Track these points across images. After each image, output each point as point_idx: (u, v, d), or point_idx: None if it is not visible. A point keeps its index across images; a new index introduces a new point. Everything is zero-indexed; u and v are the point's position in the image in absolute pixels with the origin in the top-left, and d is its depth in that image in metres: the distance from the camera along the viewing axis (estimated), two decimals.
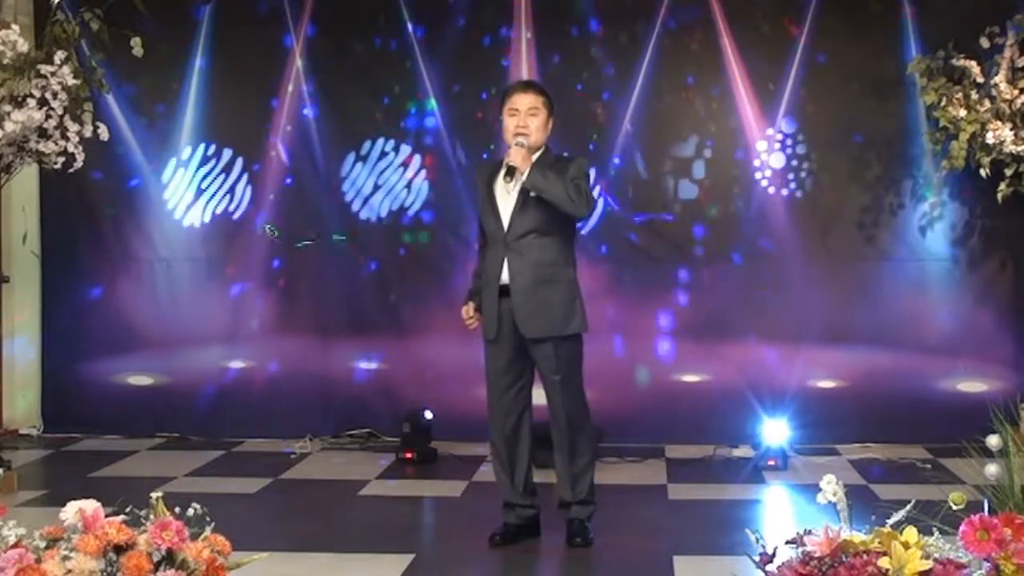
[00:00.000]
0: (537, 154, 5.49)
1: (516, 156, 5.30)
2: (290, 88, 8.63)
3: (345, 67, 8.65)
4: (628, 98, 8.39)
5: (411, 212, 8.65)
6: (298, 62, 8.62)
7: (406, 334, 8.65)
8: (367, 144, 8.66)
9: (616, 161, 8.45)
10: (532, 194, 5.35)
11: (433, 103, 8.56)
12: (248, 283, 8.83)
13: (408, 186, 8.63)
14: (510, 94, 5.58)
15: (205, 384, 8.74)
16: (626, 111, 8.40)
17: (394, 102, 8.65)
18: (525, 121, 5.42)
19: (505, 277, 5.46)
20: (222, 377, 8.78)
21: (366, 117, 8.68)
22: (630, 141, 8.44)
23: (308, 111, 8.67)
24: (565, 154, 5.75)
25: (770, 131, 8.35)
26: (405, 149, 8.65)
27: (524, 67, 8.40)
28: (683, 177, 8.44)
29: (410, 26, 8.50)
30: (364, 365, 8.73)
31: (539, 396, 5.80)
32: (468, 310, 5.69)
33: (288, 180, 8.73)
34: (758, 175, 8.37)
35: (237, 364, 8.83)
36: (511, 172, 5.31)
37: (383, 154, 8.66)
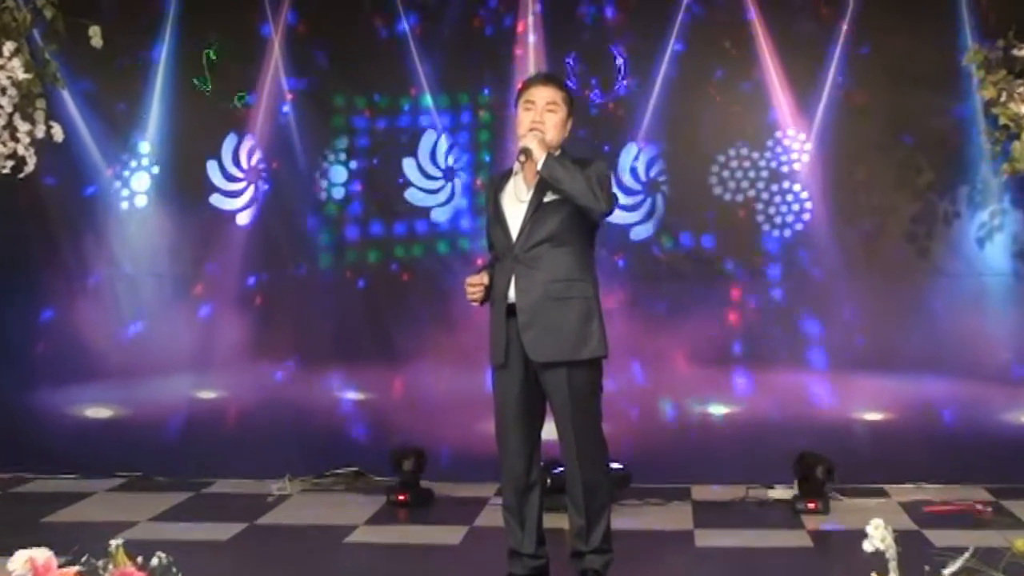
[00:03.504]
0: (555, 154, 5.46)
1: (532, 139, 5.28)
2: (268, 83, 8.60)
3: (330, 60, 8.65)
4: (648, 94, 8.39)
5: (404, 222, 8.64)
6: (277, 54, 8.61)
7: (399, 360, 8.62)
8: (354, 146, 8.66)
9: (635, 165, 8.44)
10: (546, 199, 5.32)
11: (428, 100, 8.55)
12: (220, 303, 8.80)
13: (401, 193, 8.63)
14: (527, 86, 5.58)
15: (172, 417, 8.70)
16: (646, 109, 8.39)
17: (385, 99, 8.66)
18: (542, 116, 5.41)
19: (512, 294, 5.40)
20: (191, 409, 8.74)
21: (353, 116, 8.67)
22: (652, 146, 8.46)
23: (288, 109, 8.67)
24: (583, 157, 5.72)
25: (805, 137, 8.35)
26: (397, 152, 8.65)
27: (532, 59, 8.38)
28: (711, 183, 8.43)
29: (403, 13, 8.49)
30: (351, 395, 8.70)
31: (549, 430, 5.72)
32: (474, 276, 5.58)
33: (265, 186, 8.73)
34: (796, 182, 8.37)
35: (208, 394, 8.79)
36: (525, 154, 5.29)
37: (371, 157, 8.68)
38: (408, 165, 8.64)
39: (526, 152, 5.30)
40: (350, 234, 8.70)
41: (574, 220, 5.34)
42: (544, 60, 8.36)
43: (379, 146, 8.71)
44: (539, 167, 5.25)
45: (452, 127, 8.61)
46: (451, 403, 8.32)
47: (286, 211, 8.72)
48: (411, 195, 8.66)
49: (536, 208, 5.35)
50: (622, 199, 8.14)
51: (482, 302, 5.51)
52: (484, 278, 5.48)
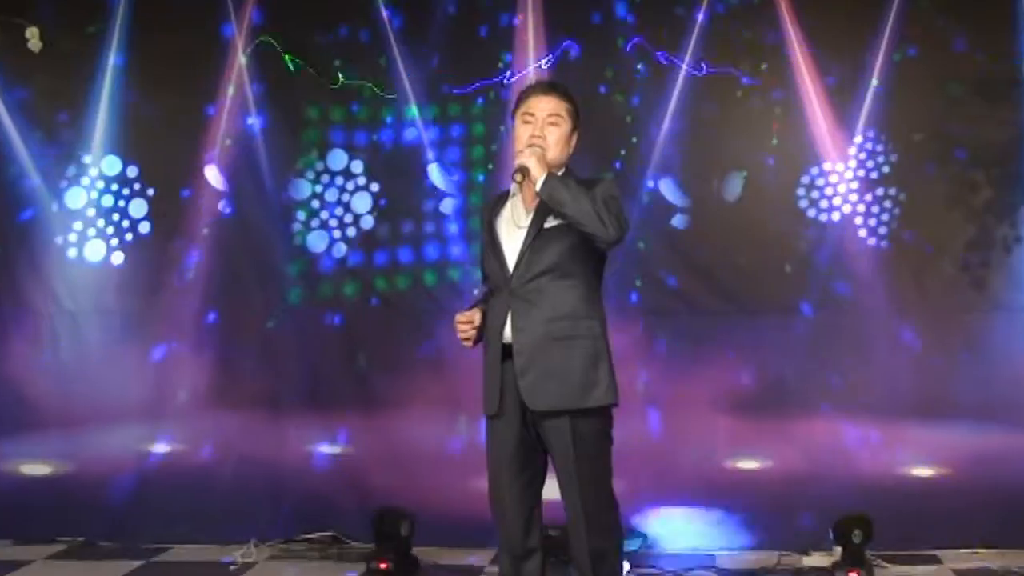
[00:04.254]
0: (557, 174, 5.40)
1: (529, 155, 5.22)
2: (230, 91, 8.59)
3: (301, 64, 8.57)
4: (665, 103, 8.37)
5: (386, 251, 8.63)
6: (241, 58, 8.59)
7: (380, 409, 8.56)
8: (329, 163, 8.63)
9: (650, 184, 8.42)
10: (547, 225, 5.26)
11: (414, 111, 8.55)
12: (176, 343, 8.76)
13: (382, 217, 8.62)
14: (527, 96, 5.51)
15: (120, 474, 8.63)
16: (663, 119, 8.37)
17: (364, 110, 8.64)
18: (542, 130, 5.35)
19: (508, 333, 5.34)
20: (142, 464, 8.68)
21: (328, 128, 8.66)
22: (668, 158, 8.42)
23: (253, 121, 8.65)
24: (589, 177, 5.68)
25: (841, 151, 8.31)
26: (378, 170, 8.65)
27: (532, 64, 8.37)
28: (736, 204, 8.40)
29: (385, 12, 8.48)
30: (326, 449, 8.66)
31: (551, 488, 5.65)
32: (465, 313, 5.52)
33: (227, 209, 8.70)
34: (832, 201, 8.32)
35: (161, 448, 8.74)
36: (522, 173, 5.23)
37: (350, 176, 8.65)
38: (391, 185, 8.64)
39: (523, 171, 5.23)
40: (324, 264, 8.67)
41: (579, 249, 5.27)
42: (547, 67, 8.36)
43: (357, 163, 8.67)
44: (537, 188, 5.19)
45: (441, 141, 8.59)
46: (440, 458, 8.28)
47: (251, 238, 8.69)
48: (394, 219, 8.64)
49: (536, 235, 5.28)
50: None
51: (475, 343, 5.46)
52: (476, 315, 5.42)
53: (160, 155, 8.72)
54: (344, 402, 8.61)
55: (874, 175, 8.28)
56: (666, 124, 8.38)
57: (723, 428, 8.36)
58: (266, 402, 8.66)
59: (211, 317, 8.73)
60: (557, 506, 5.53)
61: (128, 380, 8.75)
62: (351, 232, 8.65)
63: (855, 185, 8.28)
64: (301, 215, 8.65)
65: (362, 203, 8.63)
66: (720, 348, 8.38)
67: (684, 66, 8.31)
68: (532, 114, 5.40)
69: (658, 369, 8.35)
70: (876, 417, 8.23)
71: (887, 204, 8.29)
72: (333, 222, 8.65)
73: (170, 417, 8.76)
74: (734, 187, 8.36)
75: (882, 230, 8.28)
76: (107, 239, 8.76)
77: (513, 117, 5.51)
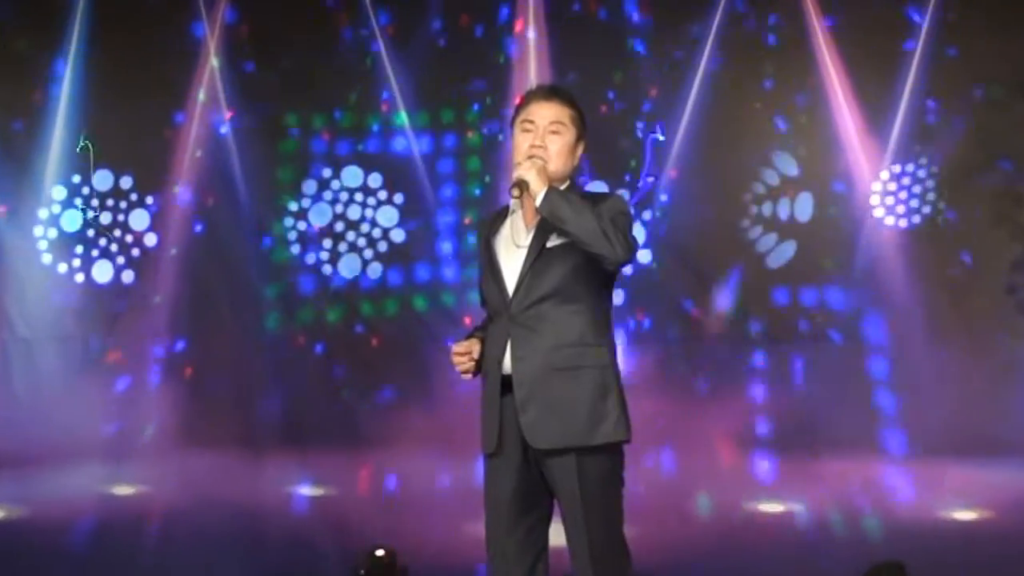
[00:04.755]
0: (560, 188, 5.31)
1: (529, 168, 5.16)
2: (201, 97, 8.64)
3: (279, 67, 8.65)
4: (680, 110, 8.40)
5: (372, 271, 8.66)
6: (213, 61, 8.62)
7: (366, 446, 8.57)
8: (311, 175, 8.70)
9: (663, 199, 8.41)
10: (549, 244, 5.18)
11: (403, 118, 8.60)
12: (141, 373, 8.77)
13: (368, 234, 8.63)
14: (526, 103, 5.35)
15: (79, 517, 8.42)
16: (677, 129, 8.39)
17: (349, 116, 8.71)
18: (543, 140, 5.28)
19: (508, 363, 5.24)
20: (103, 508, 8.56)
21: (309, 137, 8.71)
22: (683, 171, 8.44)
23: (226, 129, 8.67)
24: (594, 190, 5.63)
25: (889, 170, 8.31)
26: (364, 182, 8.68)
27: (532, 67, 8.40)
28: (757, 222, 8.40)
29: (371, 10, 8.53)
30: (306, 490, 8.65)
31: (556, 534, 5.53)
32: (463, 343, 5.44)
33: (197, 226, 8.71)
34: (862, 219, 8.33)
35: (125, 490, 8.71)
36: (520, 187, 5.17)
37: (333, 189, 8.67)
38: (378, 200, 8.65)
39: (521, 185, 5.16)
40: (304, 287, 8.70)
41: (585, 270, 5.14)
42: (549, 66, 8.37)
43: (341, 176, 8.69)
44: (537, 203, 5.13)
45: (433, 152, 8.62)
46: (432, 500, 8.22)
47: (223, 258, 8.69)
48: (381, 237, 8.65)
49: (537, 255, 5.15)
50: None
51: (474, 374, 5.40)
52: (475, 346, 5.31)
53: (123, 168, 8.75)
54: (326, 439, 8.59)
55: (910, 187, 8.31)
56: (679, 134, 8.43)
57: (744, 467, 8.38)
58: (240, 439, 8.63)
59: (179, 345, 8.75)
60: (563, 553, 5.42)
61: (88, 414, 8.73)
62: (334, 252, 8.71)
63: (889, 199, 8.30)
64: (279, 231, 8.70)
65: (347, 220, 8.72)
66: (741, 380, 8.43)
67: (700, 69, 8.38)
68: (532, 122, 5.28)
69: (671, 403, 8.25)
70: (915, 454, 8.26)
71: (926, 221, 8.30)
72: (314, 241, 8.73)
73: (134, 455, 8.72)
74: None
75: (920, 250, 8.29)
76: (66, 260, 8.76)
77: (512, 125, 5.44)
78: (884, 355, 8.31)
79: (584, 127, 5.31)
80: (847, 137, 8.31)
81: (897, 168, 8.30)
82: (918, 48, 8.19)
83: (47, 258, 8.76)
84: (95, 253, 8.75)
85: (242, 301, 8.71)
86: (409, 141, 8.58)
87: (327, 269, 8.66)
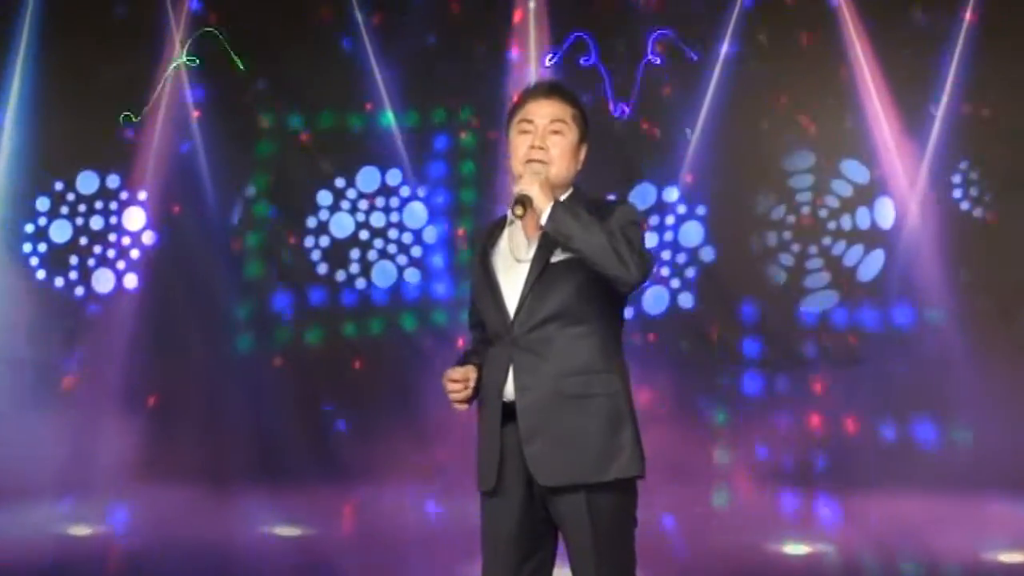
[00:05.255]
0: (563, 196, 5.19)
1: (531, 182, 5.08)
2: (165, 96, 8.57)
3: (253, 62, 8.54)
4: (695, 112, 8.36)
5: (356, 286, 8.62)
6: (178, 55, 8.53)
7: (349, 482, 8.50)
8: (287, 182, 8.68)
9: (681, 210, 8.37)
10: (554, 259, 5.07)
11: (389, 118, 8.57)
12: (99, 400, 8.66)
13: (350, 246, 8.60)
14: (523, 102, 5.25)
15: (34, 559, 8.24)
16: (692, 132, 8.36)
17: (331, 117, 8.65)
18: (544, 140, 5.18)
19: (510, 391, 5.11)
20: (58, 549, 8.43)
21: (286, 140, 8.66)
22: (700, 180, 8.41)
23: (194, 130, 8.61)
24: (599, 195, 5.53)
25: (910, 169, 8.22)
26: (346, 188, 8.62)
27: (532, 65, 8.38)
28: (783, 234, 8.37)
29: (356, 3, 8.49)
30: (282, 530, 8.55)
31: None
32: (452, 372, 5.32)
33: (160, 238, 8.68)
34: (895, 233, 8.30)
35: (83, 530, 8.60)
36: (522, 204, 5.09)
37: (311, 198, 8.65)
38: (362, 208, 8.61)
39: (524, 202, 5.08)
40: (279, 304, 8.63)
41: (593, 287, 4.99)
42: (552, 67, 8.32)
43: (321, 182, 8.64)
44: (543, 221, 5.05)
45: (423, 155, 8.59)
46: (422, 541, 8.11)
47: (190, 273, 8.63)
48: (366, 249, 8.62)
49: (541, 272, 5.03)
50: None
51: (470, 402, 5.33)
52: (472, 372, 5.22)
53: (78, 176, 8.76)
54: (304, 473, 8.54)
55: (947, 197, 8.29)
56: (694, 137, 8.42)
57: (769, 505, 8.34)
58: (209, 473, 8.55)
59: (143, 370, 8.67)
60: None
61: (41, 445, 8.62)
62: (313, 265, 8.68)
63: (923, 208, 8.29)
64: (252, 241, 8.66)
65: (328, 230, 8.69)
66: (763, 406, 8.41)
67: (718, 67, 8.38)
68: (531, 121, 5.15)
69: (691, 433, 8.23)
70: (957, 488, 8.11)
71: (972, 230, 8.26)
72: (292, 253, 8.72)
73: (92, 491, 8.64)
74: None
75: (964, 262, 8.27)
76: (14, 276, 8.72)
77: (507, 128, 5.34)
78: (923, 379, 8.26)
79: (587, 126, 5.23)
80: (882, 144, 8.31)
81: (936, 170, 8.31)
82: (959, 41, 8.17)
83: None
84: (35, 267, 8.77)
85: (210, 320, 8.66)
86: (396, 143, 8.58)
87: (305, 282, 8.65)
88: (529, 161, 5.05)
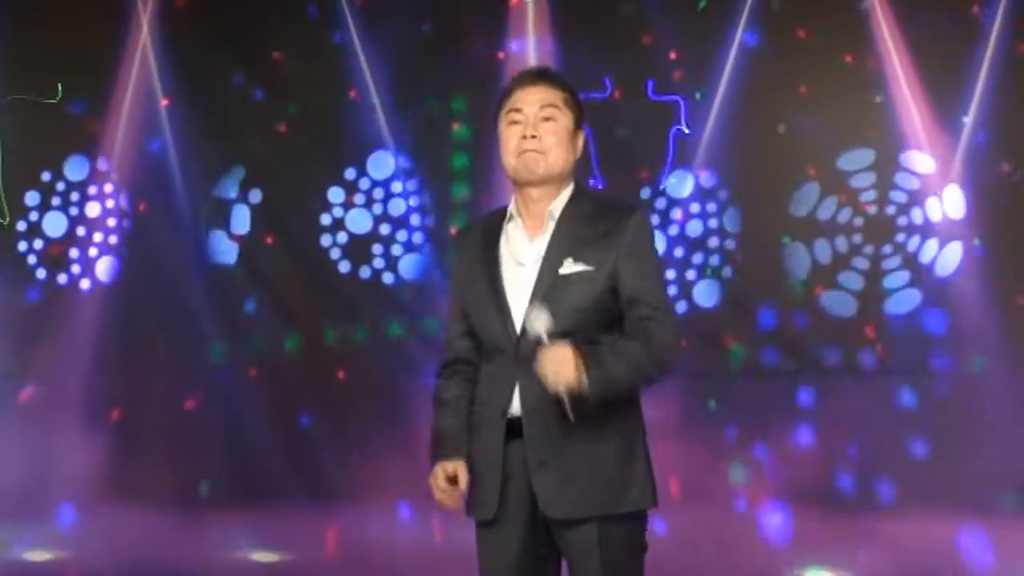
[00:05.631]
0: (561, 197, 5.01)
1: (554, 363, 4.91)
2: (131, 83, 8.46)
3: (225, 47, 8.51)
4: (709, 101, 8.28)
5: (337, 291, 8.54)
6: (145, 38, 8.45)
7: (332, 503, 8.40)
8: (262, 176, 8.59)
9: (695, 209, 8.28)
10: (564, 270, 4.89)
11: (376, 107, 8.46)
12: (57, 414, 8.55)
13: (332, 247, 8.50)
14: (510, 91, 5.12)
15: None
16: (705, 123, 8.27)
17: (310, 107, 8.57)
18: (536, 129, 5.03)
19: (516, 408, 4.92)
20: None
21: (262, 131, 8.57)
22: (717, 176, 8.33)
23: (163, 121, 8.49)
24: (603, 194, 5.36)
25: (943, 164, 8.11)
26: (327, 185, 8.55)
27: (531, 50, 8.33)
28: (809, 235, 8.28)
29: None
30: (260, 556, 8.45)
31: None
32: (441, 476, 5.18)
33: (126, 237, 8.56)
34: (932, 229, 8.18)
35: (41, 555, 8.49)
36: (572, 398, 4.97)
37: (289, 193, 8.57)
38: (342, 204, 8.53)
39: (573, 396, 4.96)
40: (251, 308, 8.52)
41: (604, 303, 4.85)
42: (552, 49, 8.27)
43: (300, 177, 8.54)
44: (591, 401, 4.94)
45: (411, 147, 8.50)
46: (412, 567, 8.00)
47: (158, 275, 8.54)
48: (348, 249, 8.52)
49: (552, 282, 5.04)
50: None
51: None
52: (462, 470, 5.03)
53: (35, 170, 8.68)
54: (283, 494, 8.43)
55: (986, 195, 8.21)
56: (707, 129, 8.35)
57: (785, 529, 8.25)
58: (178, 494, 8.51)
59: (106, 383, 8.57)
60: None
61: None
62: (290, 267, 8.63)
63: (966, 207, 8.20)
64: (225, 245, 8.53)
65: (305, 229, 8.63)
66: (786, 421, 8.34)
67: (733, 49, 8.31)
68: (519, 110, 4.97)
69: (706, 455, 8.18)
70: (983, 514, 8.05)
71: (1008, 231, 8.17)
72: (267, 253, 8.61)
73: (50, 513, 8.58)
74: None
75: (1004, 264, 8.15)
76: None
77: (495, 121, 5.19)
78: (965, 391, 8.18)
79: (581, 112, 5.16)
80: (912, 135, 8.29)
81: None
82: (994, 31, 8.15)
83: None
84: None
85: (179, 326, 8.59)
86: (382, 134, 8.52)
87: (282, 286, 8.60)
88: (523, 152, 4.95)
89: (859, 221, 8.28)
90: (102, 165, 8.56)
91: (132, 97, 8.51)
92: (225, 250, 8.60)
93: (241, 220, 8.56)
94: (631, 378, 4.90)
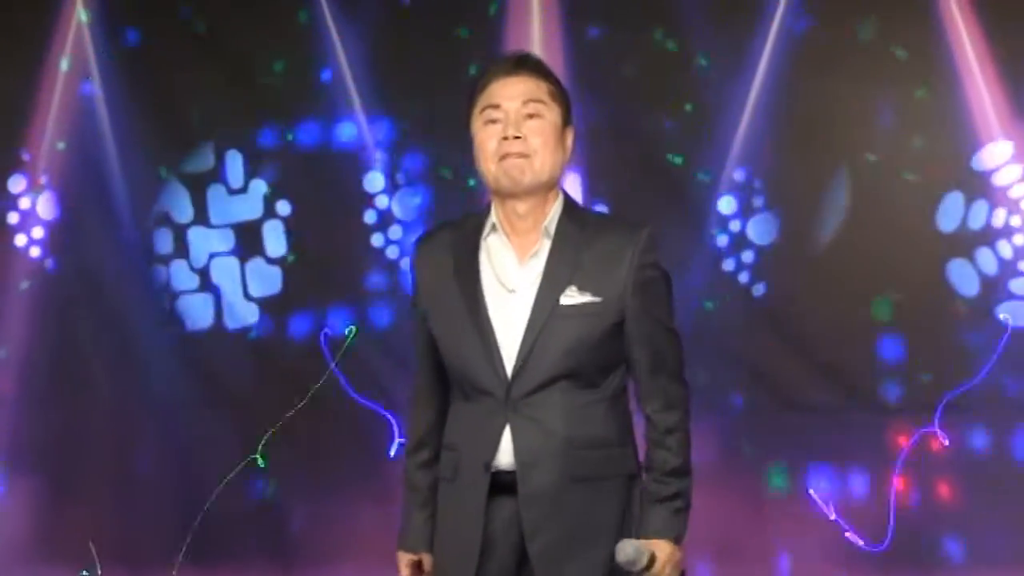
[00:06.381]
0: (554, 211, 4.81)
1: (673, 570, 4.86)
2: (63, 63, 8.42)
3: (175, 23, 8.44)
4: (743, 96, 8.25)
5: (309, 311, 8.44)
6: (80, 14, 8.36)
7: (294, 561, 8.39)
8: (217, 170, 8.49)
9: (732, 227, 8.22)
10: (565, 300, 4.72)
11: (355, 104, 8.46)
12: None
13: (299, 261, 8.34)
14: (485, 84, 4.82)
15: None
16: (740, 118, 8.24)
17: (274, 91, 8.52)
18: (519, 128, 4.72)
19: (506, 460, 4.75)
20: None
21: (218, 119, 8.49)
22: (746, 181, 8.29)
23: (99, 106, 8.39)
24: (600, 212, 5.30)
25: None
26: (298, 189, 8.46)
27: (535, 34, 8.25)
28: (851, 247, 8.19)
29: None
30: None
31: None
32: (407, 561, 5.00)
33: (52, 260, 8.42)
34: (1001, 230, 8.02)
35: None
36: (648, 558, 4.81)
37: (247, 190, 8.45)
38: (312, 211, 8.37)
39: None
40: (208, 336, 8.30)
41: (608, 340, 4.78)
42: (561, 41, 8.24)
43: (260, 172, 8.42)
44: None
45: (396, 148, 8.49)
46: None
47: (94, 290, 8.47)
48: (317, 264, 8.36)
49: (550, 314, 4.79)
50: None
51: None
52: (427, 560, 5.05)
53: None
54: (243, 553, 8.44)
55: None
56: (742, 127, 8.37)
57: None
58: (118, 555, 8.33)
59: (32, 424, 8.43)
60: None
61: None
62: (254, 285, 8.45)
63: None
64: (165, 246, 8.46)
65: (271, 237, 8.46)
66: (819, 465, 8.39)
67: (771, 37, 8.30)
68: (497, 107, 4.72)
69: (717, 502, 7.91)
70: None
71: None
72: (226, 270, 8.46)
73: None
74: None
75: None
76: None
77: (469, 122, 4.90)
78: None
79: (569, 105, 4.97)
80: (983, 126, 8.18)
81: None
82: None
83: None
84: None
85: (121, 361, 8.41)
86: (362, 133, 8.46)
87: (238, 297, 8.47)
88: (505, 157, 4.77)
89: None
90: (26, 157, 8.53)
91: (64, 80, 8.58)
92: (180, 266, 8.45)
93: (204, 238, 8.58)
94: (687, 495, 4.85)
